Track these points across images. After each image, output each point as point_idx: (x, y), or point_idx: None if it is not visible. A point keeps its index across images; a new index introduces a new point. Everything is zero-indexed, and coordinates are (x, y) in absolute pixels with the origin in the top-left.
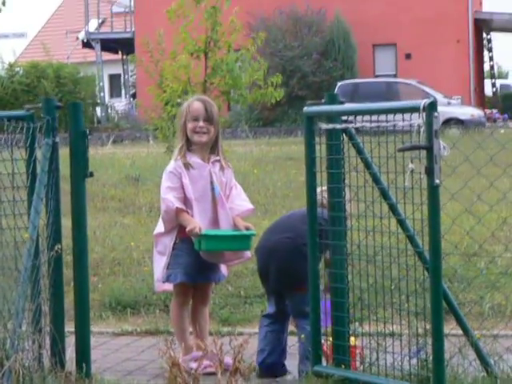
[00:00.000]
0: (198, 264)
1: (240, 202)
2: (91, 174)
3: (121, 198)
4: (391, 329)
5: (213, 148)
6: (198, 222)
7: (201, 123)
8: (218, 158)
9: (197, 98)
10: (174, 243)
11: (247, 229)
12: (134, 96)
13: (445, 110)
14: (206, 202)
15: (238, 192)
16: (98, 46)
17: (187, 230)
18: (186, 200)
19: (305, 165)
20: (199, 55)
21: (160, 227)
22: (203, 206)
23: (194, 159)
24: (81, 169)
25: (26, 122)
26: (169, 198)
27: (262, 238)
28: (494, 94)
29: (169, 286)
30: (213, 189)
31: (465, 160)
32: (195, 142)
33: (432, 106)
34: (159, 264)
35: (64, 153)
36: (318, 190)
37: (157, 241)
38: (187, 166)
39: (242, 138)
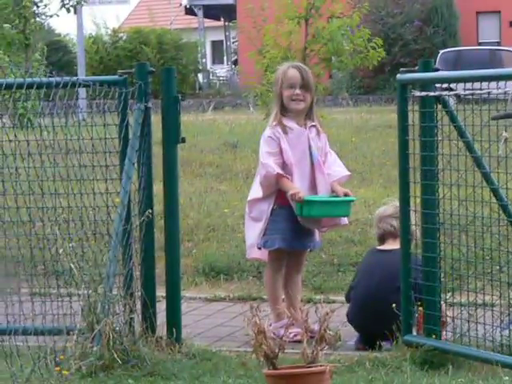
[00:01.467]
0: (295, 230)
1: (337, 167)
2: (183, 140)
3: (218, 164)
4: (483, 299)
5: (308, 113)
6: (299, 187)
7: (297, 91)
8: (313, 123)
9: (292, 64)
10: (272, 209)
11: (346, 195)
12: (235, 63)
13: None
14: (304, 167)
15: (334, 158)
16: (200, 13)
17: (289, 194)
18: (284, 165)
19: (397, 132)
20: (300, 22)
21: (256, 192)
22: (302, 171)
23: (291, 124)
24: (172, 134)
25: (119, 87)
26: (269, 164)
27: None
28: None
29: (261, 254)
30: (311, 154)
31: None
32: (292, 109)
33: None
34: (254, 230)
35: (158, 119)
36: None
37: (251, 206)
38: (285, 130)
39: (342, 105)
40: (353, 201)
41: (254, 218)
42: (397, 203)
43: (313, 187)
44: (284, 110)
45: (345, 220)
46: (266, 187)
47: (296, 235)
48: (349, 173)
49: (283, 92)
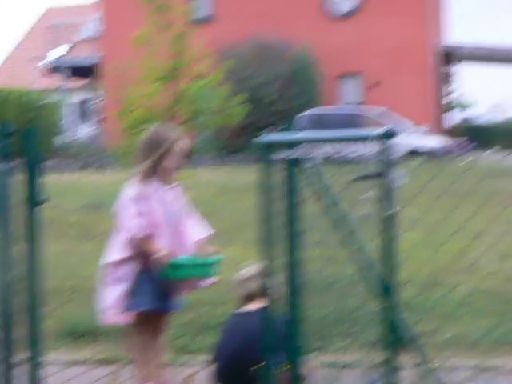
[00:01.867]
0: (160, 292)
1: (200, 227)
2: (46, 200)
3: (82, 225)
4: (347, 359)
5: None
6: (166, 248)
7: (183, 162)
8: (177, 182)
9: (183, 134)
10: (136, 271)
11: (213, 254)
12: (100, 122)
13: (409, 140)
14: (171, 227)
15: (197, 217)
16: (64, 72)
17: (157, 256)
18: (151, 225)
19: (259, 193)
20: (164, 82)
21: (119, 254)
22: (169, 231)
23: (158, 183)
24: (35, 195)
25: None
26: (135, 224)
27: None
28: (459, 124)
29: (120, 318)
30: (177, 213)
31: (422, 189)
32: (170, 175)
33: (389, 134)
34: (114, 293)
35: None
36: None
37: (110, 268)
38: (153, 189)
39: (206, 165)
40: (220, 260)
41: (113, 281)
42: (258, 265)
43: (180, 247)
44: (153, 170)
45: (210, 280)
46: (130, 249)
47: (161, 297)
48: (211, 232)
49: (167, 157)
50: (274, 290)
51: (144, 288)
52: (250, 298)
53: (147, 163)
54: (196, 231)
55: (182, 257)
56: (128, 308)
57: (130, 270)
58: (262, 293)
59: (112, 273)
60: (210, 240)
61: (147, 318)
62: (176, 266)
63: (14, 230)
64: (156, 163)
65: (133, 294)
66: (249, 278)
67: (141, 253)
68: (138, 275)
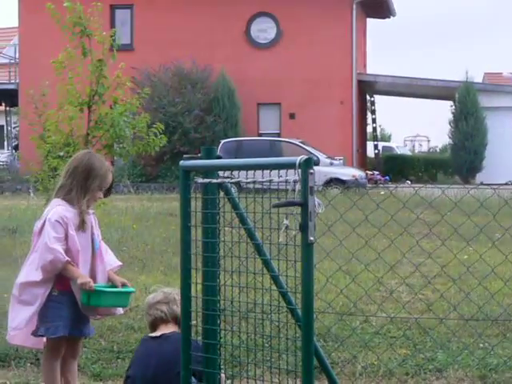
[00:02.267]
0: (76, 317)
1: (111, 256)
2: None
3: None
4: None
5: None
6: (86, 275)
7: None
8: (92, 210)
9: (109, 166)
10: (51, 294)
11: (123, 284)
12: (16, 148)
13: (327, 171)
14: (87, 255)
15: (106, 246)
16: None
17: (80, 282)
18: (67, 251)
19: (180, 218)
20: (83, 108)
21: (32, 276)
22: (85, 258)
23: (75, 210)
24: None
25: None
26: (58, 249)
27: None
28: (376, 155)
29: (24, 341)
30: (93, 241)
31: (339, 218)
32: (90, 206)
33: (308, 163)
34: (22, 314)
35: None
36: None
37: (23, 289)
38: (71, 216)
39: (124, 193)
40: (133, 292)
41: (24, 302)
42: (165, 289)
43: (92, 275)
44: (70, 198)
45: (120, 310)
46: (48, 272)
47: (76, 322)
48: (121, 263)
49: (95, 188)
50: (189, 315)
51: (61, 313)
52: (157, 323)
53: (79, 189)
54: (108, 259)
55: (102, 284)
56: (41, 333)
57: (40, 293)
58: (168, 318)
59: (22, 294)
60: (118, 269)
61: (59, 343)
62: (98, 294)
63: None
64: (88, 190)
65: (47, 318)
66: (155, 303)
67: (55, 277)
68: (51, 299)
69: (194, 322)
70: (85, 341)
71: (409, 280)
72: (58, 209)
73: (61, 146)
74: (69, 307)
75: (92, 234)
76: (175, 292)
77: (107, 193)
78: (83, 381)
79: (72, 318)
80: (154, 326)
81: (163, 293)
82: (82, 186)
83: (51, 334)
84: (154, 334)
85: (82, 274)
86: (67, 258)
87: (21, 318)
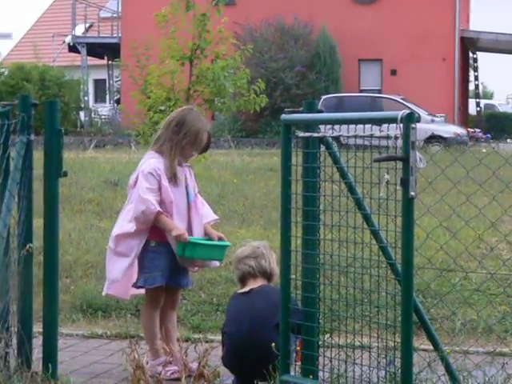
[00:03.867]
0: (173, 268)
1: (208, 210)
2: (65, 174)
3: (98, 202)
4: (361, 341)
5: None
6: (181, 227)
7: (196, 153)
8: (188, 163)
9: (207, 126)
10: (148, 245)
11: (220, 238)
12: (118, 102)
13: (428, 127)
14: (182, 207)
15: (202, 200)
16: (84, 51)
17: (174, 234)
18: (161, 203)
19: (280, 172)
20: (184, 62)
21: (126, 227)
22: (179, 210)
23: (169, 163)
24: (54, 168)
25: (1, 119)
26: (150, 200)
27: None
28: (478, 113)
29: (119, 292)
30: (188, 193)
31: (440, 174)
32: (182, 161)
33: (410, 118)
34: (118, 265)
35: (39, 154)
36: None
37: (119, 241)
38: (166, 169)
39: (224, 147)
40: (229, 246)
41: (120, 253)
42: (254, 243)
43: (189, 227)
44: (173, 151)
45: (216, 263)
46: (141, 223)
47: (173, 273)
48: (217, 217)
49: (185, 145)
50: (288, 269)
51: (159, 263)
52: (246, 277)
53: (170, 143)
54: (204, 213)
55: (197, 237)
56: (141, 284)
57: (135, 244)
58: (256, 273)
59: (117, 245)
60: (214, 223)
61: (158, 293)
62: (193, 245)
63: (34, 203)
64: (178, 146)
65: (146, 269)
66: (243, 258)
67: (152, 228)
68: (149, 249)
69: (293, 276)
70: (184, 293)
71: (510, 237)
72: (151, 161)
73: (162, 100)
74: (166, 257)
75: (186, 186)
76: (263, 246)
77: (203, 151)
78: (183, 332)
79: (169, 269)
80: (242, 280)
81: (251, 247)
82: (172, 139)
83: (149, 285)
84: (242, 290)
85: (176, 225)
86: (158, 209)
87: (118, 270)
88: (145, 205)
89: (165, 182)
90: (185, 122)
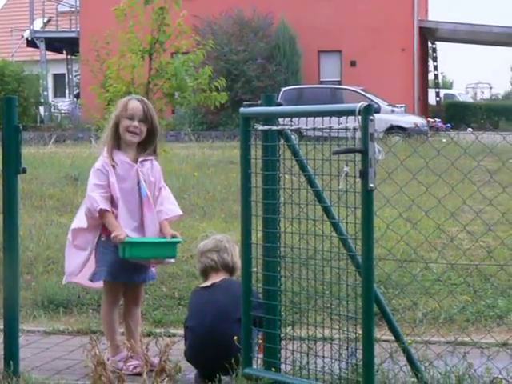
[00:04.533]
0: (123, 263)
1: (170, 205)
2: (24, 171)
3: (59, 197)
4: (323, 333)
5: (145, 146)
6: (122, 226)
7: (135, 123)
8: (148, 157)
9: (135, 96)
10: (99, 240)
11: (173, 237)
12: (77, 96)
13: (388, 118)
14: (132, 203)
15: (167, 194)
16: (42, 45)
17: (111, 236)
18: (112, 199)
19: (240, 166)
20: (144, 56)
21: (81, 222)
22: (129, 207)
23: (122, 158)
24: (13, 164)
25: None
26: (94, 197)
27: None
28: (438, 103)
29: (79, 279)
30: (140, 189)
31: (400, 165)
32: (126, 140)
33: (368, 110)
34: (75, 258)
35: None
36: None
37: (75, 235)
38: (114, 164)
39: (185, 141)
40: (178, 242)
41: (77, 247)
42: (217, 236)
43: (141, 224)
44: (117, 142)
45: (169, 260)
46: (90, 219)
47: (124, 268)
48: (181, 212)
49: (122, 122)
50: (249, 262)
51: (106, 258)
52: (208, 271)
53: (111, 133)
54: (165, 208)
55: (136, 237)
56: (92, 277)
57: (90, 239)
58: (218, 267)
59: (75, 239)
60: (177, 219)
61: (112, 288)
62: (131, 245)
63: None
64: (113, 133)
65: (96, 263)
66: (206, 251)
67: (101, 223)
68: (101, 244)
69: (254, 269)
70: (146, 287)
71: (469, 227)
72: (102, 157)
73: (122, 94)
74: (115, 253)
75: (139, 182)
76: (226, 239)
77: (136, 127)
78: (145, 327)
79: (119, 264)
80: (205, 273)
81: (214, 240)
82: (111, 126)
83: (97, 280)
84: (204, 284)
85: (115, 224)
86: (101, 207)
87: (76, 264)
88: (90, 202)
89: (112, 178)
90: (115, 109)
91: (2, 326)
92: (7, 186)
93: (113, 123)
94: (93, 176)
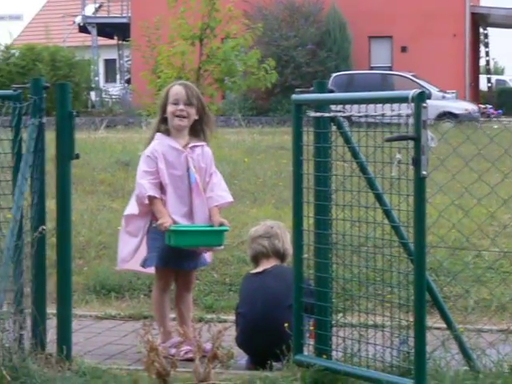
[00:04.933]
0: (174, 249)
1: (220, 192)
2: (77, 156)
3: (110, 183)
4: (374, 320)
5: (196, 132)
6: (171, 212)
7: (181, 106)
8: (199, 143)
9: (177, 82)
10: (150, 226)
11: (221, 224)
12: (128, 81)
13: (439, 104)
14: (181, 189)
15: (218, 180)
16: (94, 31)
17: (157, 223)
18: (162, 185)
19: (292, 152)
20: (194, 42)
21: (133, 208)
22: (179, 193)
23: (171, 144)
24: (66, 150)
25: (13, 102)
26: (143, 184)
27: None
28: (489, 89)
29: (131, 265)
30: (189, 176)
31: (452, 153)
32: (175, 125)
33: (421, 97)
34: (127, 244)
35: (50, 135)
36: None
37: (128, 221)
38: (164, 150)
39: (235, 126)
40: (225, 231)
41: (129, 233)
42: (268, 223)
43: (190, 211)
44: (166, 129)
45: (216, 248)
46: (140, 205)
47: (174, 254)
48: (231, 199)
49: (168, 108)
50: (301, 249)
51: (156, 244)
52: (259, 257)
53: (159, 120)
54: (215, 195)
55: (183, 225)
56: (143, 263)
57: (141, 225)
58: (269, 253)
59: (127, 225)
60: (228, 206)
61: (163, 274)
62: (176, 234)
63: (46, 185)
64: (161, 120)
65: (147, 249)
66: (257, 238)
67: (151, 209)
68: (151, 231)
69: (305, 256)
70: (197, 273)
71: None
72: (153, 143)
73: (172, 79)
74: (164, 239)
75: (188, 168)
76: (277, 226)
77: (182, 111)
78: (196, 312)
79: (169, 250)
80: (255, 259)
81: (265, 227)
82: (158, 114)
83: (148, 266)
84: (255, 271)
85: (162, 211)
86: (149, 193)
87: (127, 251)
88: (138, 189)
89: (161, 165)
90: (161, 95)
91: (54, 311)
92: (61, 172)
93: (160, 112)
94: (142, 162)
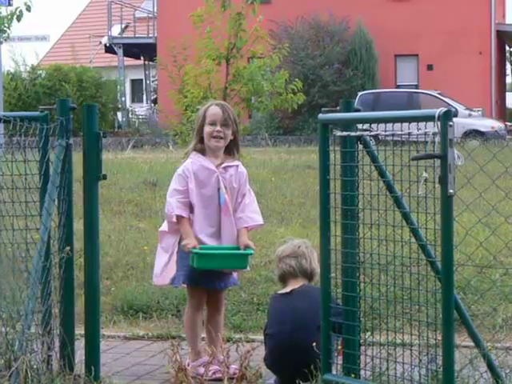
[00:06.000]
0: (203, 269)
1: (250, 214)
2: (104, 177)
3: (137, 203)
4: (402, 339)
5: (230, 152)
6: (197, 231)
7: (218, 127)
8: (234, 163)
9: (214, 102)
10: (180, 244)
11: (246, 247)
12: (155, 101)
13: (465, 122)
14: (211, 209)
15: (250, 201)
16: (120, 51)
17: (182, 244)
18: (186, 205)
19: (318, 171)
20: (221, 61)
21: (164, 226)
22: (207, 213)
23: (205, 163)
24: (94, 171)
25: (40, 123)
26: (171, 202)
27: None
28: None
29: (163, 281)
30: (219, 196)
31: (479, 171)
32: (212, 146)
33: (447, 115)
34: (160, 260)
35: (78, 156)
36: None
37: (161, 237)
38: (196, 169)
39: (261, 145)
40: (249, 254)
41: (163, 248)
42: (295, 242)
43: (218, 231)
44: (201, 148)
45: (240, 271)
46: (169, 223)
47: (204, 273)
48: (262, 222)
49: (205, 129)
50: (328, 267)
51: (185, 263)
52: (286, 277)
53: (194, 139)
54: (245, 216)
55: (208, 247)
56: (171, 282)
57: (171, 243)
58: (296, 273)
59: (161, 242)
60: (257, 228)
61: (195, 293)
62: (199, 256)
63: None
64: (197, 138)
65: (176, 267)
66: (284, 257)
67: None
68: (180, 250)
69: (333, 275)
70: (225, 293)
71: None
72: (186, 161)
73: (199, 99)
74: None
75: (219, 188)
76: (304, 245)
77: (219, 132)
78: (224, 332)
79: (197, 270)
80: (283, 279)
81: (292, 246)
82: (195, 134)
83: (175, 284)
84: (283, 291)
85: (188, 233)
86: (176, 213)
87: (159, 265)
88: (167, 207)
89: (191, 185)
90: (197, 113)
91: (83, 332)
92: (88, 193)
93: (196, 132)
94: (174, 181)
